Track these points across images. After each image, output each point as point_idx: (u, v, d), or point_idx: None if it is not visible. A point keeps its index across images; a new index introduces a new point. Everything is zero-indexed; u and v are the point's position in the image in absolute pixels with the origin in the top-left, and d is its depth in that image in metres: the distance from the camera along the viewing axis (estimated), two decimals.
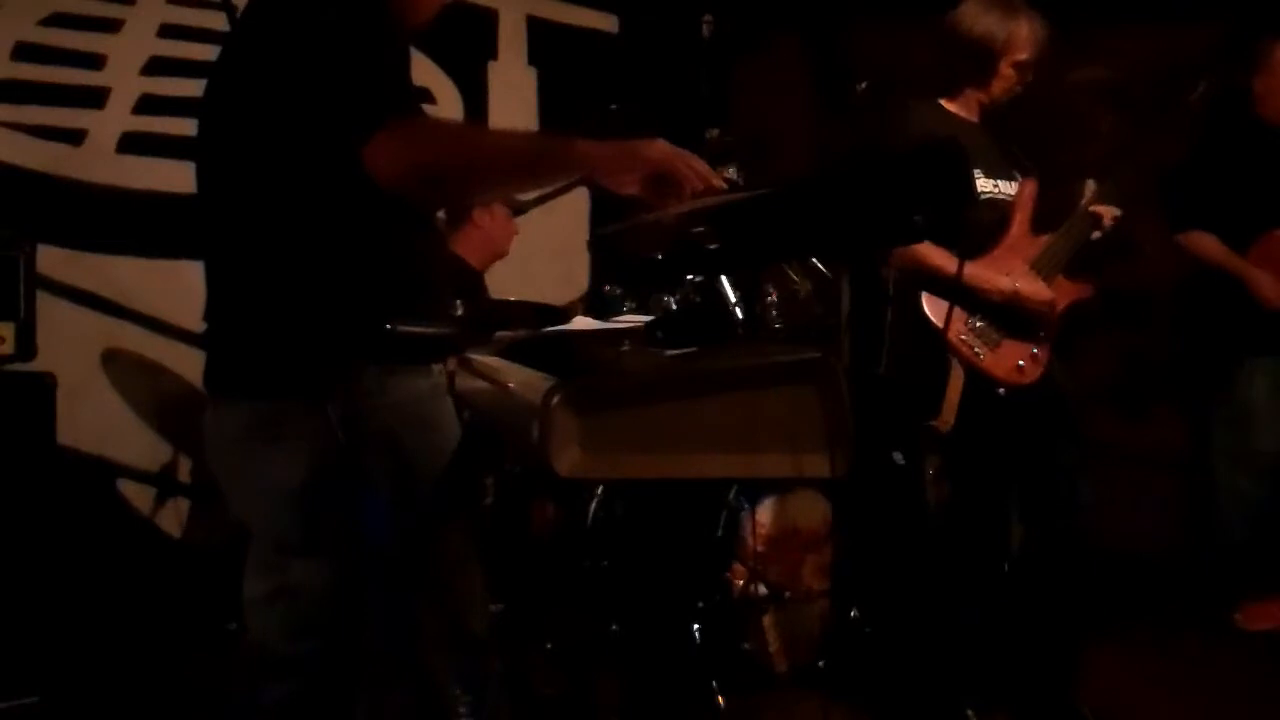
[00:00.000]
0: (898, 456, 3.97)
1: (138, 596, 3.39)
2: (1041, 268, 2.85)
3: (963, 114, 2.96)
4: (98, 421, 3.53)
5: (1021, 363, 2.83)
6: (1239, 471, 3.58)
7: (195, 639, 3.23)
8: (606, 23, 4.93)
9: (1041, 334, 2.85)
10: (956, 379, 2.81)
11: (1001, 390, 2.81)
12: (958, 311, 2.81)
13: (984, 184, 2.89)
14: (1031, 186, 2.90)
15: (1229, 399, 3.56)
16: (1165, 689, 3.08)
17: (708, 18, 3.52)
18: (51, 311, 3.34)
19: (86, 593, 3.14)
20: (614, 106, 3.66)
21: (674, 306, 2.54)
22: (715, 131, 3.27)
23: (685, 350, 1.77)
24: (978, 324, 2.83)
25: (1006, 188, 2.93)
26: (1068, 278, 2.91)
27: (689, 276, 2.60)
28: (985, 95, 2.93)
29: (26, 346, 2.94)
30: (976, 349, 2.82)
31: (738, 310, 2.73)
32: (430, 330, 1.65)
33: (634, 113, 3.49)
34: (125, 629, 3.25)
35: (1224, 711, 3.06)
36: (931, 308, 2.82)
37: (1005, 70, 2.88)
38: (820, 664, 3.24)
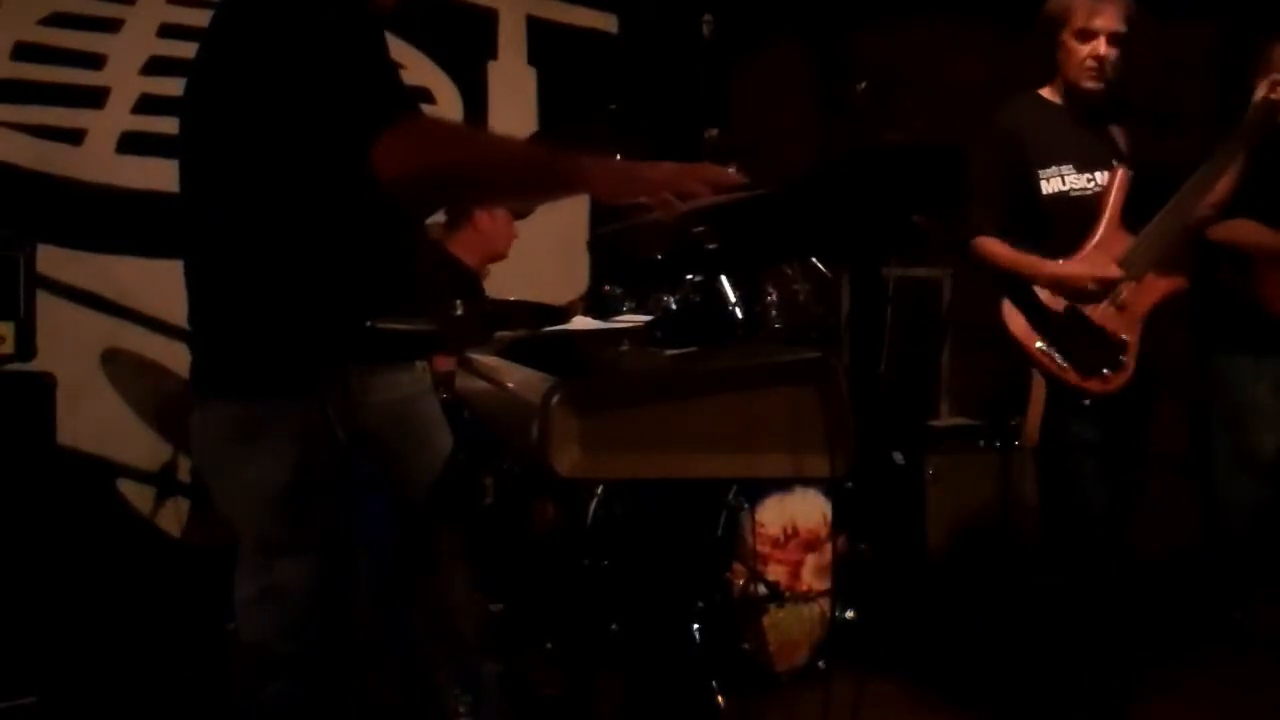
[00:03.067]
0: (898, 457, 3.98)
1: (138, 596, 3.39)
2: (1129, 265, 2.70)
3: (1061, 102, 2.85)
4: (98, 421, 3.52)
5: (1106, 370, 2.71)
6: (1241, 472, 3.57)
7: (195, 639, 3.23)
8: (606, 23, 4.92)
9: (1122, 336, 2.71)
10: (1037, 396, 2.75)
11: (1087, 401, 2.71)
12: (1033, 324, 2.73)
13: (1075, 179, 2.78)
14: (1123, 176, 2.75)
15: (1231, 399, 3.56)
16: (1166, 688, 3.08)
17: (708, 18, 3.51)
18: (51, 311, 3.34)
19: (86, 593, 3.13)
20: (614, 106, 3.66)
21: (674, 306, 2.54)
22: (715, 131, 3.27)
23: (685, 350, 1.77)
24: (1056, 332, 2.73)
25: (1105, 180, 2.78)
26: (1163, 273, 2.75)
27: (689, 276, 2.59)
28: (1066, 78, 2.79)
29: (26, 346, 2.94)
30: (1059, 359, 2.72)
31: (738, 310, 2.73)
32: (411, 327, 1.65)
33: (633, 113, 3.49)
34: (125, 629, 3.25)
35: (1225, 711, 3.06)
36: (1011, 319, 2.76)
37: (1069, 43, 2.76)
38: (820, 664, 3.24)
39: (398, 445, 1.66)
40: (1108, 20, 2.72)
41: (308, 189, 1.57)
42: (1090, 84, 2.76)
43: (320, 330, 1.60)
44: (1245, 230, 3.36)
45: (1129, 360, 2.72)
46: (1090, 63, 2.74)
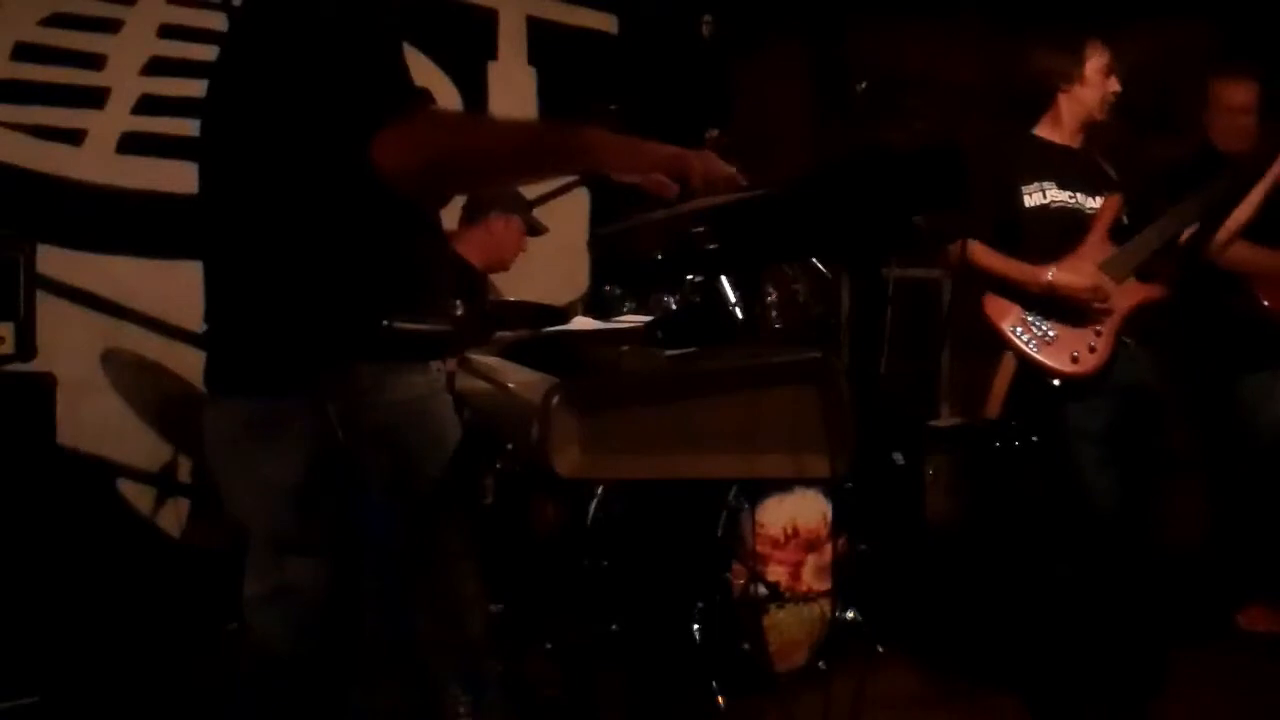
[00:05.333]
0: (898, 457, 3.98)
1: (138, 596, 3.39)
2: (1111, 269, 2.92)
3: (1054, 137, 3.08)
4: (98, 421, 3.52)
5: (1076, 354, 2.89)
6: (1245, 474, 3.58)
7: (195, 639, 3.23)
8: (606, 23, 4.92)
9: (1097, 327, 2.91)
10: (1005, 371, 2.89)
11: (1056, 382, 2.89)
12: (1014, 305, 2.94)
13: (1056, 194, 3.01)
14: (1116, 201, 2.99)
15: (1234, 403, 3.57)
16: (1166, 689, 3.07)
17: (708, 18, 3.52)
18: (51, 311, 3.34)
19: (86, 593, 3.13)
20: (614, 106, 3.66)
21: (674, 306, 2.54)
22: (715, 131, 3.27)
23: (685, 350, 1.77)
24: (1031, 318, 2.93)
25: (1086, 200, 3.02)
26: (1142, 280, 2.97)
27: (689, 277, 2.60)
28: (1080, 108, 3.03)
29: (26, 346, 2.94)
30: (1030, 342, 2.91)
31: (738, 310, 2.73)
32: (427, 327, 1.65)
33: (633, 112, 3.50)
34: (125, 629, 3.25)
35: (1225, 712, 3.06)
36: (990, 304, 2.96)
37: (1092, 75, 3.01)
38: (820, 664, 3.24)
39: (413, 444, 1.66)
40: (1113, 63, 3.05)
41: (320, 187, 1.57)
42: (1104, 114, 3.04)
43: (334, 329, 1.60)
44: (1238, 250, 3.44)
45: (1101, 348, 2.90)
46: (1111, 97, 3.03)
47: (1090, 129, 3.07)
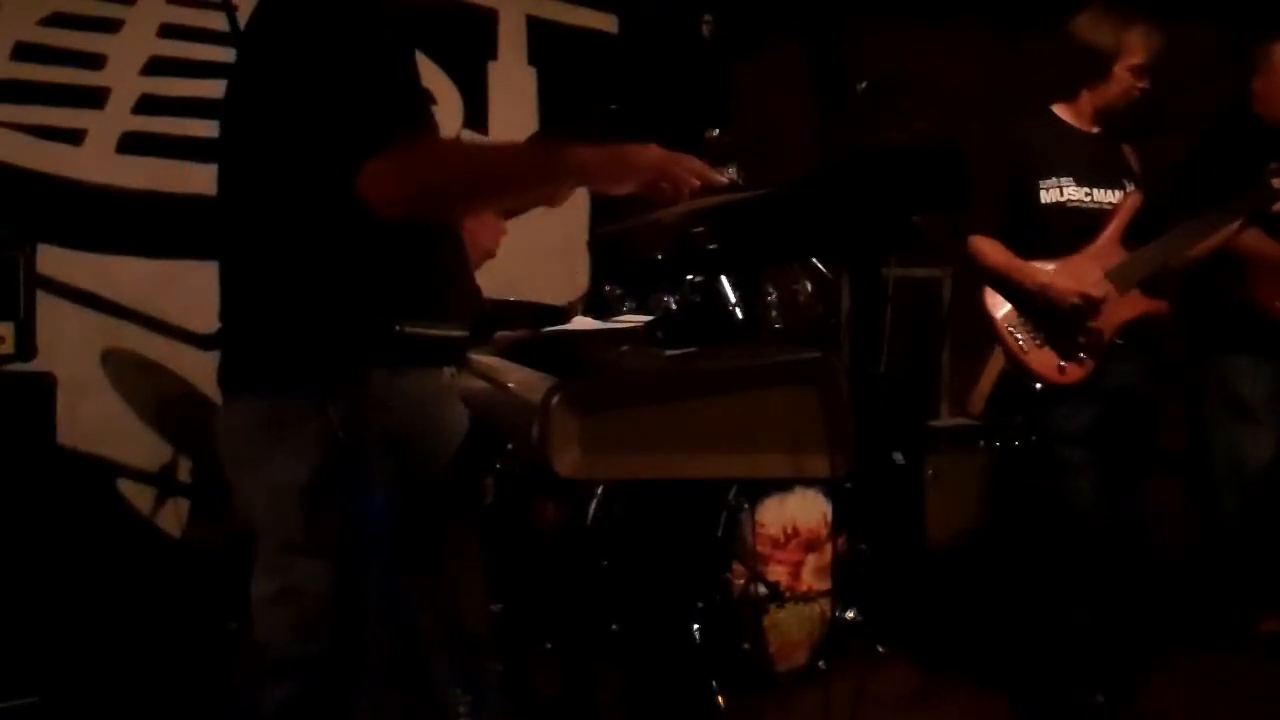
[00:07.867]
0: (898, 457, 3.98)
1: (138, 596, 3.39)
2: (1117, 277, 2.90)
3: (1074, 121, 3.03)
4: (98, 421, 3.52)
5: (1063, 365, 2.88)
6: (1237, 470, 3.57)
7: (195, 639, 3.23)
8: (606, 23, 4.92)
9: (1089, 336, 2.88)
10: (991, 369, 2.90)
11: (1038, 385, 2.89)
12: (1010, 302, 2.93)
13: (1073, 192, 2.95)
14: (1135, 199, 2.95)
15: (1227, 399, 3.56)
16: (1165, 688, 3.08)
17: (708, 18, 3.52)
18: (51, 311, 3.34)
19: (86, 593, 3.13)
20: (614, 106, 3.66)
21: (674, 306, 2.54)
22: (715, 131, 3.27)
23: (685, 350, 1.77)
24: (1026, 317, 2.91)
25: (1104, 196, 2.97)
26: (1147, 293, 2.96)
27: (689, 276, 2.60)
28: (1101, 100, 2.98)
29: (26, 346, 2.94)
30: (1022, 341, 2.90)
31: (738, 310, 2.73)
32: (438, 332, 1.65)
33: (633, 112, 3.50)
34: (125, 629, 3.25)
35: (1225, 712, 3.06)
36: (988, 298, 2.95)
37: (1120, 74, 2.94)
38: (820, 664, 3.24)
39: (420, 448, 1.67)
40: (1153, 60, 2.99)
41: (332, 194, 1.57)
42: (1125, 109, 2.99)
43: (346, 332, 1.61)
44: (1245, 236, 3.40)
45: (1089, 359, 2.88)
46: (1136, 94, 2.98)
47: (1110, 116, 3.02)
